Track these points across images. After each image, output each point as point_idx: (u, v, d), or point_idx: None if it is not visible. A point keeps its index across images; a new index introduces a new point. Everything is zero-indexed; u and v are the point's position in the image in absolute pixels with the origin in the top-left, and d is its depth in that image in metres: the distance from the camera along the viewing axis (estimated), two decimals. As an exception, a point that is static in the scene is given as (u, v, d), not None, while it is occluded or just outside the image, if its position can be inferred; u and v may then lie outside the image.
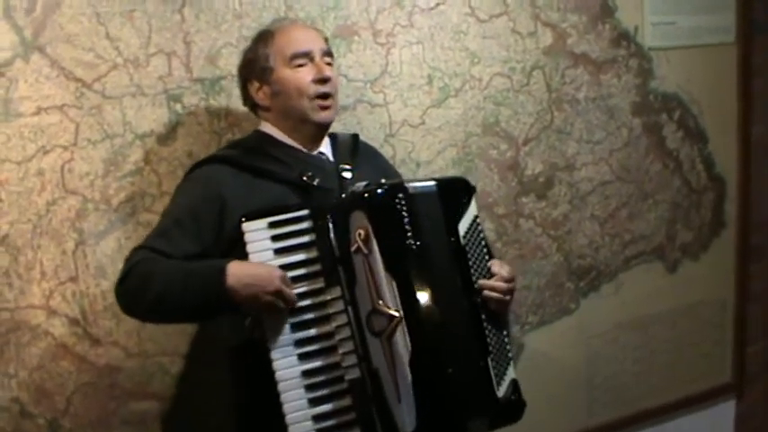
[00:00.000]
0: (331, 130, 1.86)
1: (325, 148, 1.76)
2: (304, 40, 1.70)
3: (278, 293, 1.50)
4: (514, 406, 1.66)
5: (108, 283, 1.85)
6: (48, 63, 1.74)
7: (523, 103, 2.32)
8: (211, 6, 1.88)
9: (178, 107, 1.87)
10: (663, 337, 2.72)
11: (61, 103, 1.76)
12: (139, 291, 1.55)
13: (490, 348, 1.63)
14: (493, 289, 1.64)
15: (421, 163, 2.18)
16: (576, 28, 2.37)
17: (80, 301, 1.83)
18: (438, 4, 2.15)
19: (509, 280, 1.68)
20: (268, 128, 1.73)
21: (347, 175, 1.71)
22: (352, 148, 1.80)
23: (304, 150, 1.72)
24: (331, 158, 1.76)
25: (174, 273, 1.54)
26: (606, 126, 2.48)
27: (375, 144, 2.10)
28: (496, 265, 1.70)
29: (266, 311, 1.52)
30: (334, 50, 1.97)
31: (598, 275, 2.55)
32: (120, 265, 1.83)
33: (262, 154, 1.68)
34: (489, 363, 1.61)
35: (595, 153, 2.47)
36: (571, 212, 2.46)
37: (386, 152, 2.12)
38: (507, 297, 1.67)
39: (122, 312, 1.66)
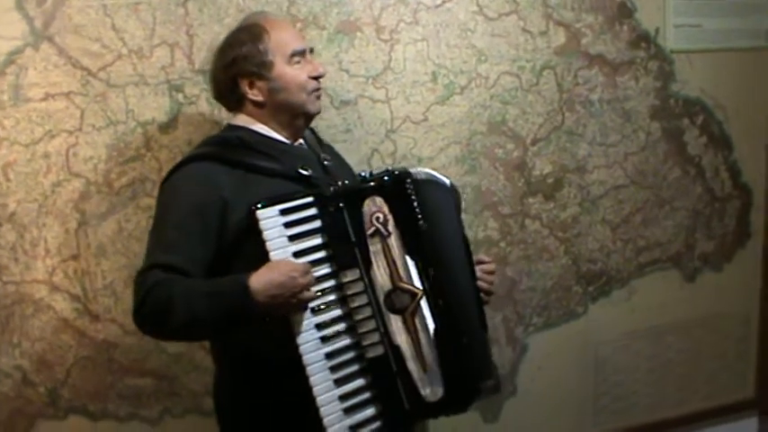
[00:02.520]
0: (331, 123, 1.91)
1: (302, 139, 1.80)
2: (299, 38, 1.73)
3: (303, 289, 1.51)
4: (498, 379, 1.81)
5: (108, 263, 1.94)
6: (56, 52, 1.84)
7: (532, 103, 2.29)
8: (215, 0, 1.94)
9: (179, 97, 1.94)
10: (679, 347, 2.64)
11: (68, 90, 1.86)
12: (162, 318, 1.52)
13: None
14: (486, 275, 1.79)
15: (422, 159, 2.19)
16: (591, 28, 2.32)
17: (81, 278, 1.93)
18: (444, 2, 2.14)
19: (493, 272, 1.84)
20: (246, 121, 1.69)
21: (327, 163, 1.76)
22: (317, 139, 1.86)
23: (287, 142, 1.73)
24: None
25: (195, 297, 1.51)
26: (622, 129, 2.42)
27: (376, 139, 2.13)
28: (484, 258, 1.85)
29: (297, 310, 1.53)
30: (335, 45, 2.05)
31: (609, 281, 2.50)
32: (119, 246, 1.94)
33: (248, 149, 1.66)
34: (488, 336, 1.80)
35: (609, 156, 2.42)
36: (581, 215, 2.42)
37: (386, 148, 2.15)
38: (493, 287, 1.82)
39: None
